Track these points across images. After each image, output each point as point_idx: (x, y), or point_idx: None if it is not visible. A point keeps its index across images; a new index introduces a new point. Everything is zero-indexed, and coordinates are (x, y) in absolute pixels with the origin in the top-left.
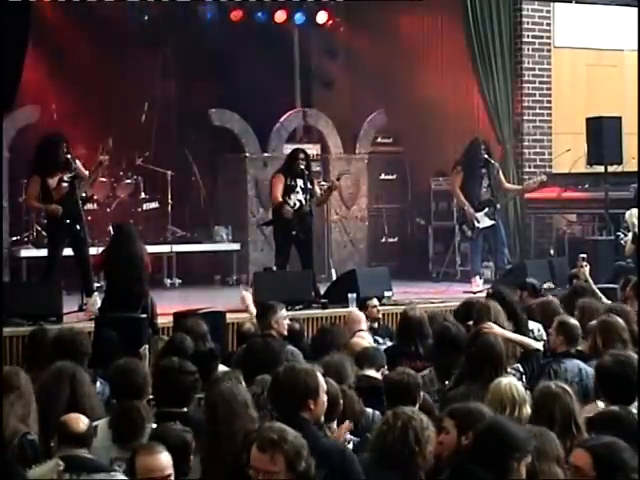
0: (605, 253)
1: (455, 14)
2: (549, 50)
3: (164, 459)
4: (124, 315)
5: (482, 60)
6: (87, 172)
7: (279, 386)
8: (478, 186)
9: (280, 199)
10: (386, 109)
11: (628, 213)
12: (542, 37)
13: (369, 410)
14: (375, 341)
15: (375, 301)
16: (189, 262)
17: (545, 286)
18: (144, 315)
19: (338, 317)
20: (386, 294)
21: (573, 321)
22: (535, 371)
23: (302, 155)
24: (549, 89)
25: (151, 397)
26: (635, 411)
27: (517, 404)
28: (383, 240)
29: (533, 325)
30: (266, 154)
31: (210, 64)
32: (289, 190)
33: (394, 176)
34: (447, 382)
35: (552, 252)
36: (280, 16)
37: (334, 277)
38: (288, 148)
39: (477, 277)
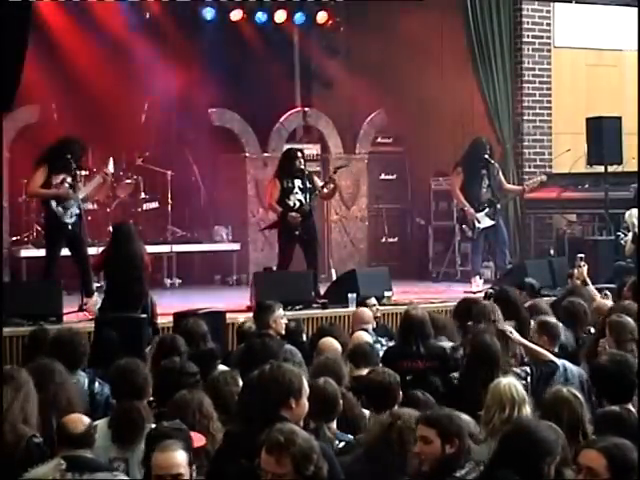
0: (605, 253)
1: (455, 14)
2: (549, 50)
3: (177, 457)
4: (124, 315)
5: (482, 60)
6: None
7: (263, 383)
8: (478, 186)
9: (277, 207)
10: (386, 109)
11: (628, 213)
12: (542, 37)
13: (366, 412)
14: (377, 341)
15: (374, 300)
16: (189, 262)
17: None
18: (144, 315)
19: (338, 317)
20: (386, 294)
21: (554, 320)
22: (543, 374)
23: (298, 154)
24: (549, 89)
25: (151, 398)
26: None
27: (516, 404)
28: (383, 240)
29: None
30: (266, 154)
31: (210, 64)
32: (287, 192)
33: (394, 176)
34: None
35: (552, 252)
36: (280, 16)
37: (334, 277)
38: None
39: (477, 277)
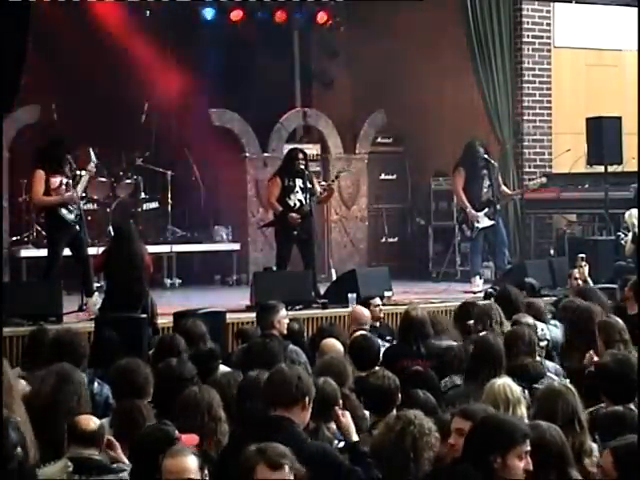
0: (605, 253)
1: (455, 14)
2: (549, 50)
3: (188, 463)
4: (124, 315)
5: (482, 60)
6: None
7: (272, 385)
8: (479, 187)
9: (277, 206)
10: (386, 109)
11: (628, 213)
12: (542, 37)
13: (367, 413)
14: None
15: (378, 300)
16: (189, 262)
17: None
18: (144, 315)
19: (338, 317)
20: (386, 294)
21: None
22: None
23: (300, 154)
24: (549, 89)
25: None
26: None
27: (511, 404)
28: (383, 240)
29: (537, 325)
30: (266, 154)
31: (210, 64)
32: (288, 191)
33: (394, 176)
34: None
35: (552, 252)
36: (280, 16)
37: (334, 277)
38: (288, 148)
39: (477, 277)
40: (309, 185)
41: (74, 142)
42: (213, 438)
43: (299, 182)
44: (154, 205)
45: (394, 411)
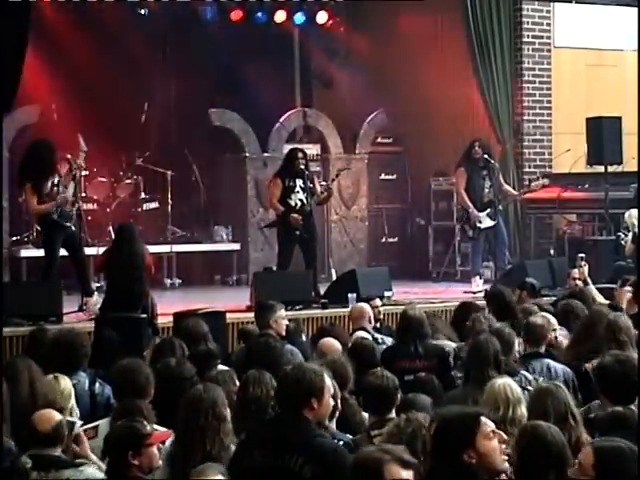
0: (605, 253)
1: (455, 14)
2: (549, 50)
3: None
4: (124, 315)
5: (482, 60)
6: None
7: (284, 383)
8: (480, 187)
9: (278, 206)
10: (386, 109)
11: (627, 213)
12: (542, 37)
13: (365, 415)
14: (375, 339)
15: (378, 301)
16: (189, 262)
17: None
18: (144, 315)
19: (338, 317)
20: (386, 294)
21: (540, 321)
22: None
23: (300, 154)
24: (549, 89)
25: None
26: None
27: (511, 404)
28: (383, 240)
29: None
30: (266, 154)
31: (210, 64)
32: (289, 191)
33: (394, 176)
34: None
35: (552, 252)
36: (280, 16)
37: (334, 277)
38: (288, 148)
39: (477, 277)
40: (310, 185)
41: (72, 140)
42: (216, 438)
43: (299, 182)
44: (154, 205)
45: (393, 412)
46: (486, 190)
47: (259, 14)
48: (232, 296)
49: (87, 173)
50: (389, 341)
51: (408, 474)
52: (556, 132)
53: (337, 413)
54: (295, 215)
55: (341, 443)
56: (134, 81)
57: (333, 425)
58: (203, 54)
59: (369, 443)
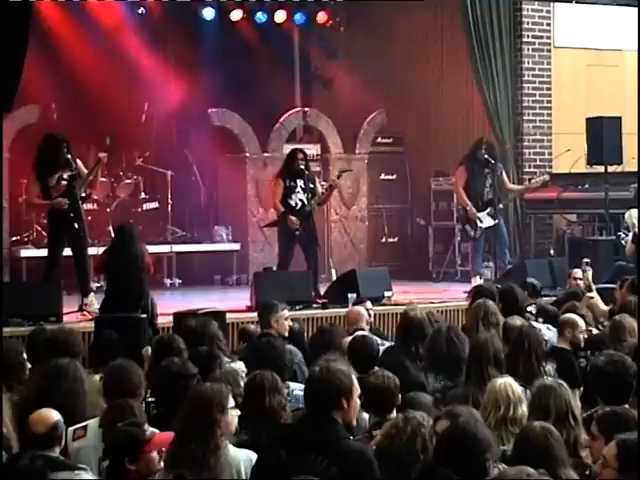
0: (605, 253)
1: (455, 14)
2: (549, 50)
3: None
4: (124, 315)
5: (482, 60)
6: (86, 171)
7: (314, 383)
8: (481, 186)
9: (280, 207)
10: (386, 109)
11: (627, 213)
12: (542, 37)
13: (365, 415)
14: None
15: (369, 304)
16: (189, 262)
17: None
18: (144, 315)
19: (338, 317)
20: (386, 294)
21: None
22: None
23: (301, 155)
24: (549, 89)
25: (151, 399)
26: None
27: (512, 403)
28: (383, 240)
29: (538, 326)
30: (266, 154)
31: (210, 64)
32: (290, 191)
33: (394, 176)
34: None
35: (552, 252)
36: (280, 16)
37: (334, 277)
38: (288, 148)
39: (477, 277)
40: (310, 185)
41: (72, 140)
42: (216, 433)
43: (300, 182)
44: (154, 205)
45: (394, 412)
46: (487, 189)
47: (259, 14)
48: (232, 296)
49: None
50: (386, 344)
51: None
52: (556, 132)
53: None
54: (292, 218)
55: None
56: (134, 81)
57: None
58: (203, 54)
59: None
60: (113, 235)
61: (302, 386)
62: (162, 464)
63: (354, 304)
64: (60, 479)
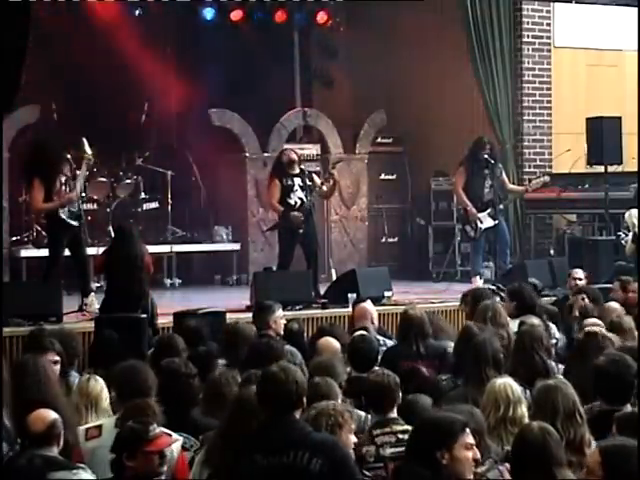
0: (605, 253)
1: (455, 14)
2: (549, 50)
3: None
4: (124, 315)
5: (482, 60)
6: (79, 179)
7: (274, 385)
8: (481, 186)
9: (278, 207)
10: (386, 109)
11: (628, 213)
12: (542, 37)
13: (361, 413)
14: (377, 340)
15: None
16: (189, 262)
17: None
18: (144, 315)
19: (338, 317)
20: (386, 294)
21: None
22: None
23: (293, 158)
24: (549, 89)
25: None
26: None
27: (511, 404)
28: (383, 240)
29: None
30: (266, 154)
31: (210, 64)
32: (288, 190)
33: (394, 176)
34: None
35: (552, 252)
36: (280, 16)
37: (334, 277)
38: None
39: (477, 277)
40: (308, 182)
41: (70, 140)
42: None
43: (297, 180)
44: (154, 205)
45: (395, 410)
46: (486, 190)
47: (259, 14)
48: (232, 296)
49: (87, 173)
50: (390, 343)
51: None
52: (556, 132)
53: None
54: (296, 213)
55: None
56: (134, 81)
57: None
58: (203, 54)
59: (371, 443)
60: (113, 235)
61: None
62: (165, 468)
63: (354, 304)
64: (58, 479)
